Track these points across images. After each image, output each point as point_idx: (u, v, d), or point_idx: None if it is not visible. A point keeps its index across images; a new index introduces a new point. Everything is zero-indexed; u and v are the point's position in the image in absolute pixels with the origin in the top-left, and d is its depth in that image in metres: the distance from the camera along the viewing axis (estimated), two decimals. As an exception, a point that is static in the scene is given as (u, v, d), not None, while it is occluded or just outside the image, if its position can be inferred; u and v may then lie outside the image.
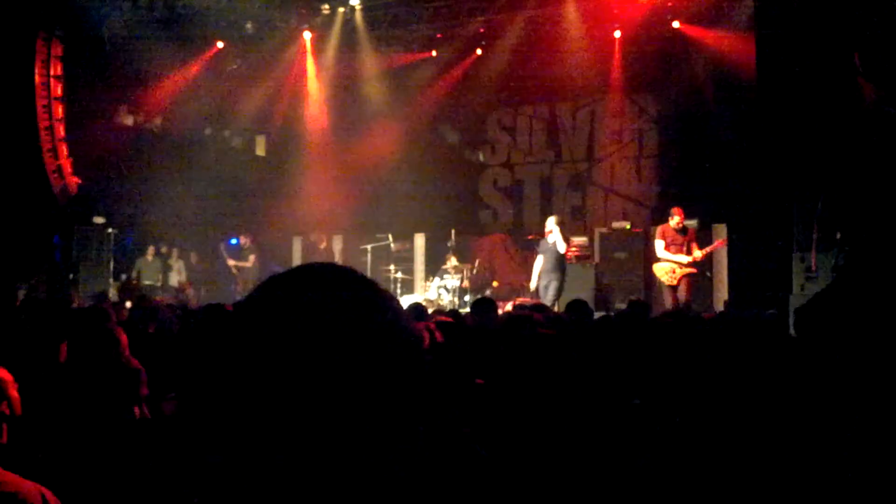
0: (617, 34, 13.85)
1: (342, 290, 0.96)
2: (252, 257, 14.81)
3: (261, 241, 15.22)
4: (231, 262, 14.80)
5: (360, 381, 0.90)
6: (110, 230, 13.57)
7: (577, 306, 6.37)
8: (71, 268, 12.90)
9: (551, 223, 11.45)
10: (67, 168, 12.65)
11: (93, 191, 13.42)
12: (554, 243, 11.27)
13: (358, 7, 14.06)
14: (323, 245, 14.35)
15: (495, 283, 13.97)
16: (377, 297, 0.98)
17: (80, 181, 12.95)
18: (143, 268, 14.42)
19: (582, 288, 12.76)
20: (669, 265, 10.78)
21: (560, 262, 11.33)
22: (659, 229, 11.34)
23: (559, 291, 11.24)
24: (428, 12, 13.94)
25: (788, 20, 9.71)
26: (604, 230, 13.90)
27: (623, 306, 9.91)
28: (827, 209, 9.47)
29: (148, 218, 14.38)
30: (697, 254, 10.82)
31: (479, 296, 9.38)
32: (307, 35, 14.59)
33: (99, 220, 13.56)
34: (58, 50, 12.42)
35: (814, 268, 9.96)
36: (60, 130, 12.51)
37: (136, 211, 14.36)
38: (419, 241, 15.10)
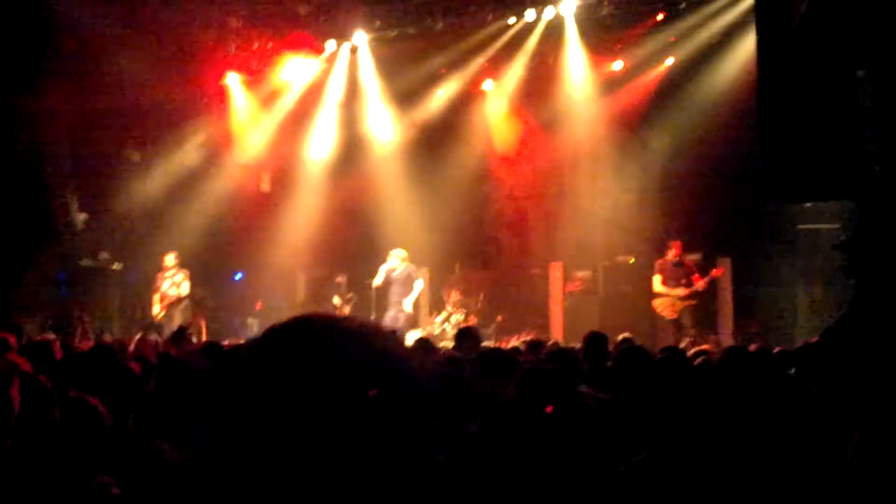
0: (617, 66, 13.99)
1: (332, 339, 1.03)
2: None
3: (265, 276, 15.21)
4: None
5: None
6: (116, 266, 13.58)
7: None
8: (77, 304, 12.91)
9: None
10: (73, 203, 12.72)
11: (99, 226, 13.47)
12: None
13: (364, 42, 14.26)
14: (338, 280, 14.27)
15: (499, 318, 13.86)
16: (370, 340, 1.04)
17: (86, 216, 13.02)
18: (150, 303, 14.38)
19: (586, 322, 12.73)
20: (669, 299, 10.78)
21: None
22: (657, 264, 11.37)
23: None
24: (433, 48, 14.09)
25: (789, 49, 9.75)
26: (607, 263, 13.87)
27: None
28: (832, 240, 9.46)
29: (153, 253, 14.39)
30: (698, 285, 10.83)
31: (486, 330, 9.29)
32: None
33: (105, 255, 13.60)
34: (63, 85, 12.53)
35: (819, 299, 9.94)
36: (67, 166, 12.61)
37: (141, 246, 14.37)
38: (424, 275, 15.04)
